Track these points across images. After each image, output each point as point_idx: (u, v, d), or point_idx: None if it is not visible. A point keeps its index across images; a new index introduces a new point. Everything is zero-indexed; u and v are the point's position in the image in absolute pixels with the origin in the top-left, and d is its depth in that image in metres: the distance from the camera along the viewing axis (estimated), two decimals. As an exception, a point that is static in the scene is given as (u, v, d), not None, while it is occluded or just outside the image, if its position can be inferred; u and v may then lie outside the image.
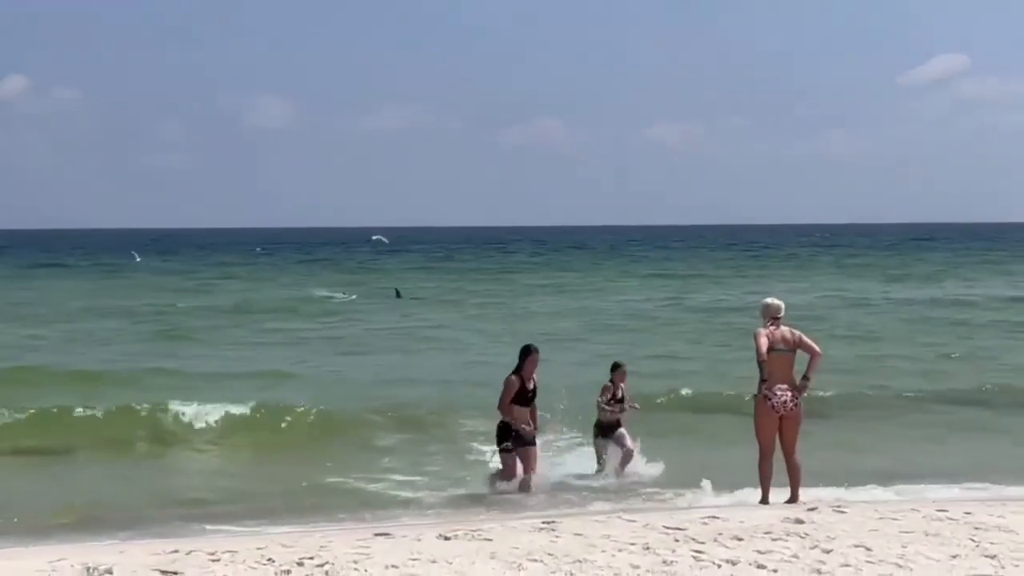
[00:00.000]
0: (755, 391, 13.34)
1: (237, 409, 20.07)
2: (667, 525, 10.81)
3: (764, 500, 13.49)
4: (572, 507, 14.05)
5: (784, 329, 13.27)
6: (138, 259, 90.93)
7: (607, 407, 15.98)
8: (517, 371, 14.93)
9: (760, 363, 13.08)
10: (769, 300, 13.51)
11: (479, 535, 10.35)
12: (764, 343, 13.06)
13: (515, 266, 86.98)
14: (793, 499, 13.32)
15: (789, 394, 13.18)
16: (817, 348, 13.28)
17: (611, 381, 16.13)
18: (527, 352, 15.02)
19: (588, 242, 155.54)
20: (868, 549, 9.71)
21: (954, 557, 9.47)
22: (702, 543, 9.93)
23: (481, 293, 55.23)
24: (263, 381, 25.26)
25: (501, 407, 14.95)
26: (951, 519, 11.21)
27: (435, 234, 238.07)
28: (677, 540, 10.08)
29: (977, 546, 9.88)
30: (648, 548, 9.68)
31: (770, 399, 13.17)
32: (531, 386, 14.96)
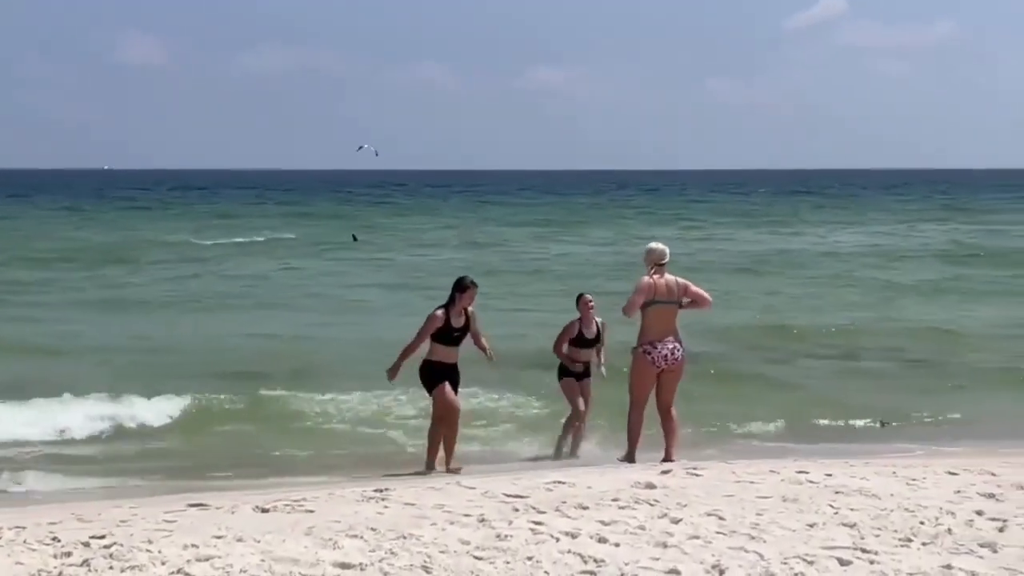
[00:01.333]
0: (635, 343, 12.63)
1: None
2: (508, 493, 9.96)
3: (629, 457, 12.79)
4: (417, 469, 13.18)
5: (669, 277, 12.53)
6: None
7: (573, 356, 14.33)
8: (446, 305, 12.90)
9: (627, 315, 12.46)
10: (653, 244, 12.70)
11: (300, 506, 9.42)
12: (638, 299, 12.35)
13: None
14: (668, 458, 12.57)
15: (670, 346, 12.52)
16: (707, 295, 12.67)
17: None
18: (461, 286, 12.91)
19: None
20: (721, 519, 8.96)
21: (811, 526, 8.77)
22: (543, 512, 9.11)
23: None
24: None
25: (415, 344, 12.91)
26: (811, 482, 10.55)
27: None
28: (516, 510, 9.25)
29: (836, 513, 9.20)
30: (483, 520, 8.82)
31: (650, 353, 12.52)
32: (459, 324, 12.85)
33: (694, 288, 12.63)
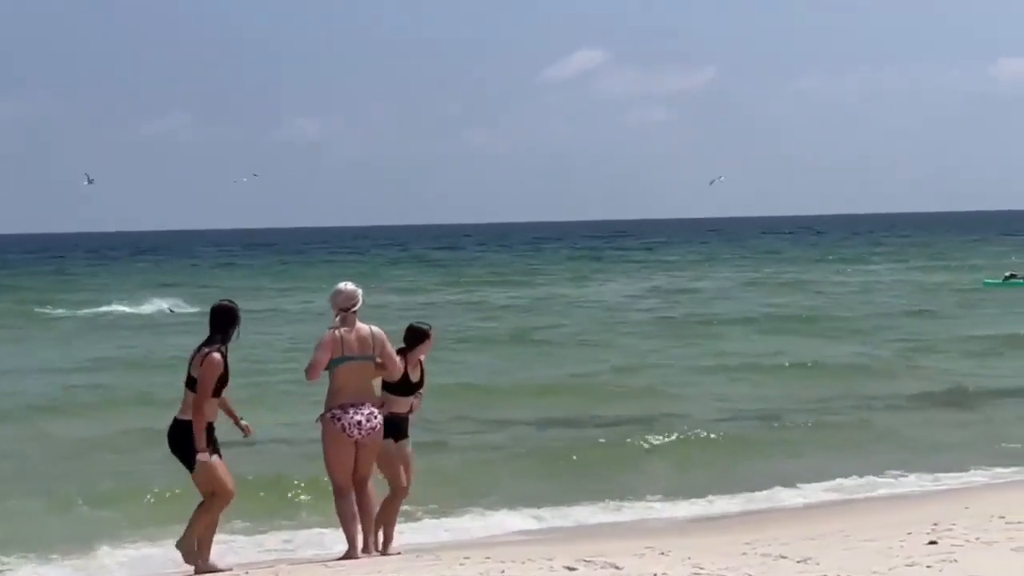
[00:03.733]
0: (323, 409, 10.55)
1: None
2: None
3: (351, 553, 10.55)
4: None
5: (362, 327, 10.49)
6: None
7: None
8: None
9: (308, 378, 10.48)
10: (341, 286, 10.63)
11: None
12: (322, 357, 10.32)
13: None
14: (367, 548, 10.59)
15: (366, 412, 10.41)
16: (397, 362, 10.53)
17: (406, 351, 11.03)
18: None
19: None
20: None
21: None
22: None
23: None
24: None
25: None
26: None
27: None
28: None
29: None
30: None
31: (340, 419, 10.37)
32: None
33: (388, 348, 10.51)
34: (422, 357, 10.96)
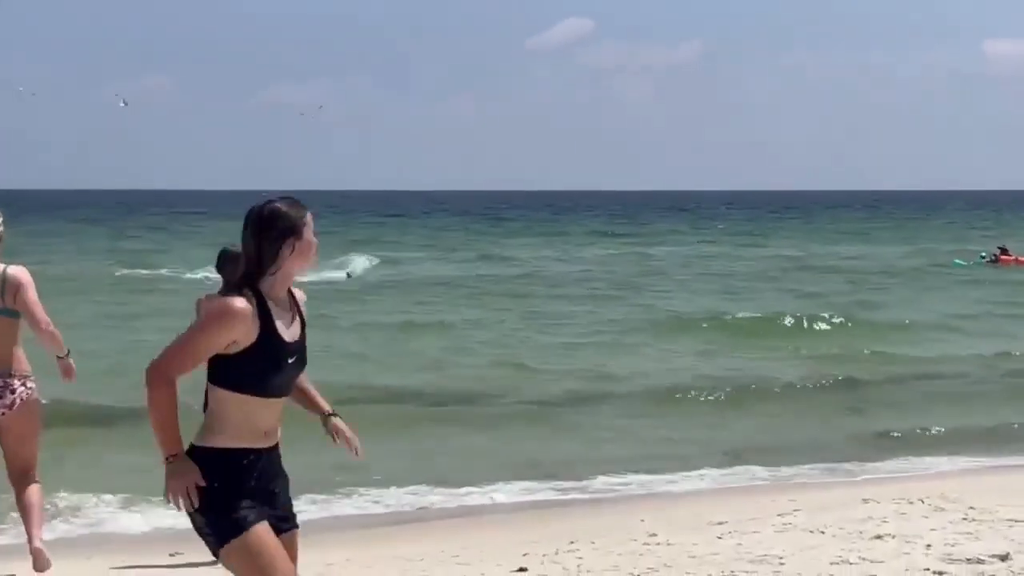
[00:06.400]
0: None
1: None
2: None
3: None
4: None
5: None
6: None
7: None
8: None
9: None
10: None
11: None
12: None
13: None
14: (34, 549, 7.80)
15: (0, 384, 7.73)
16: (42, 316, 7.74)
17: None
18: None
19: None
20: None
21: None
22: None
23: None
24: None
25: None
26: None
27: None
28: None
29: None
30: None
31: None
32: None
33: (31, 295, 7.74)
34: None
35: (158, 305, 29.63)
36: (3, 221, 7.77)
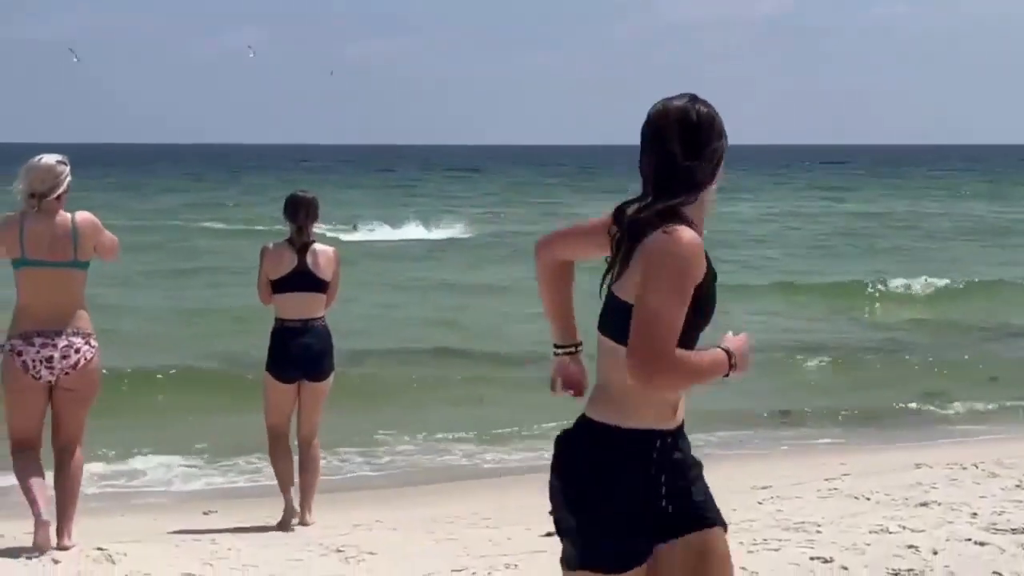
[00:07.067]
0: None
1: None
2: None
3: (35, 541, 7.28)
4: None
5: (64, 216, 7.37)
6: None
7: None
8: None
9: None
10: (36, 160, 7.41)
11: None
12: (1, 250, 7.37)
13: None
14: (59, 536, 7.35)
15: (62, 343, 7.28)
16: (112, 238, 7.55)
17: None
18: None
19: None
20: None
21: None
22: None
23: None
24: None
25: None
26: None
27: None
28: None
29: None
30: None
31: (22, 354, 7.28)
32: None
33: (107, 235, 7.51)
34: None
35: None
36: (70, 171, 7.46)
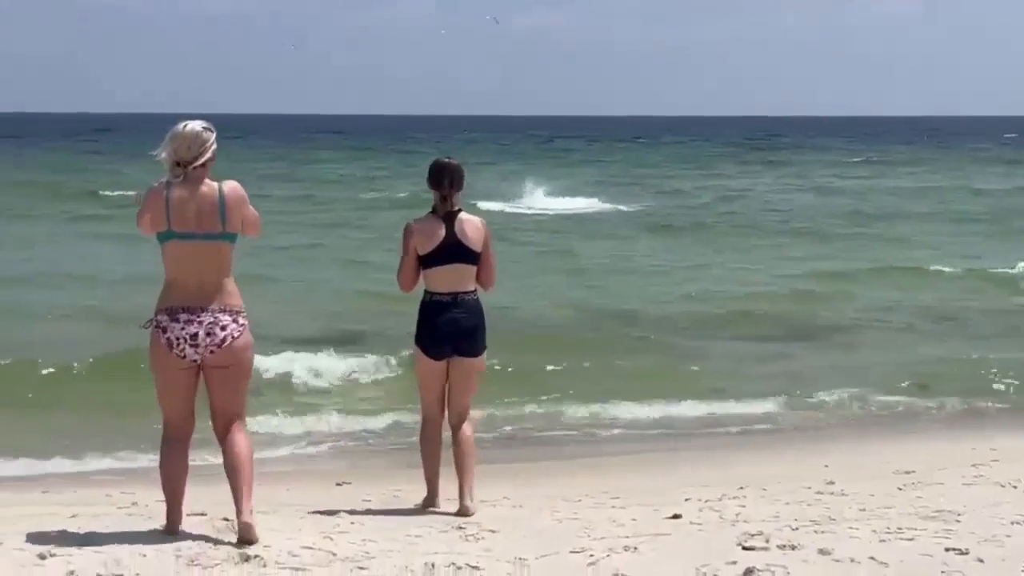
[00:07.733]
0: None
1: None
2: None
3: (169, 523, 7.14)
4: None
5: (211, 185, 6.99)
6: None
7: None
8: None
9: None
10: (181, 127, 6.98)
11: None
12: (144, 219, 7.01)
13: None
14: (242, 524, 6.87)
15: (207, 320, 6.96)
16: (256, 217, 7.16)
17: None
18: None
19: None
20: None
21: None
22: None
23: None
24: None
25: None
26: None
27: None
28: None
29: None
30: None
31: (167, 331, 6.95)
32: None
33: (251, 212, 7.11)
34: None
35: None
36: (215, 138, 7.01)
